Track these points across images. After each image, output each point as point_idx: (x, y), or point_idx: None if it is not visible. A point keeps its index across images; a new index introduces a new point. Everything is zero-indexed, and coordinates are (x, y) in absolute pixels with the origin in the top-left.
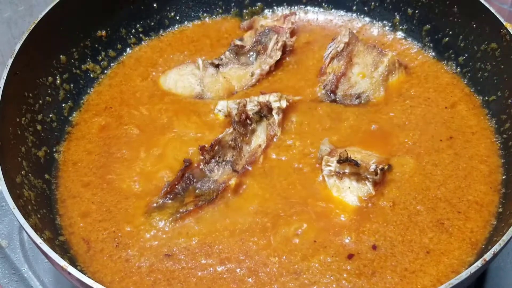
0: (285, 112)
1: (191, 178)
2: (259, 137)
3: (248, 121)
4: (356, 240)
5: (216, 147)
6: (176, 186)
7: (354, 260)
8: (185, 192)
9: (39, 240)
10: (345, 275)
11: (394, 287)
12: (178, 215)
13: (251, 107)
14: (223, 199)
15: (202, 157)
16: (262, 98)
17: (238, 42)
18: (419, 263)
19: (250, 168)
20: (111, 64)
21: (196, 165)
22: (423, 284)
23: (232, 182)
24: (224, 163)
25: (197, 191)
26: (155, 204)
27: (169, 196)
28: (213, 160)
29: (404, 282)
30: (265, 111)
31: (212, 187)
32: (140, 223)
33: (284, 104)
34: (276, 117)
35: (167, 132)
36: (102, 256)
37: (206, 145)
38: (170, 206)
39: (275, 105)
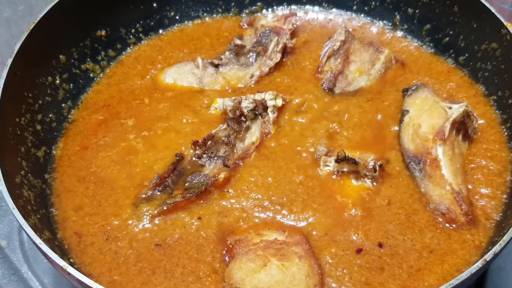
0: (282, 108)
1: (181, 171)
2: (253, 135)
3: (243, 118)
4: (362, 237)
5: (209, 142)
6: (166, 178)
7: (363, 255)
8: (174, 185)
9: (38, 240)
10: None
11: (404, 283)
12: (165, 207)
13: (246, 104)
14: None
15: (194, 152)
16: (258, 96)
17: (238, 42)
18: (423, 262)
19: (241, 164)
20: (111, 64)
21: (188, 159)
22: (430, 282)
23: (221, 176)
24: (216, 158)
25: (186, 184)
26: (143, 195)
27: (158, 188)
28: (205, 155)
29: (411, 279)
30: (260, 109)
31: (201, 180)
32: (128, 214)
33: (279, 102)
34: (271, 115)
35: (162, 125)
36: (92, 249)
37: (199, 140)
38: (158, 197)
39: (270, 103)
